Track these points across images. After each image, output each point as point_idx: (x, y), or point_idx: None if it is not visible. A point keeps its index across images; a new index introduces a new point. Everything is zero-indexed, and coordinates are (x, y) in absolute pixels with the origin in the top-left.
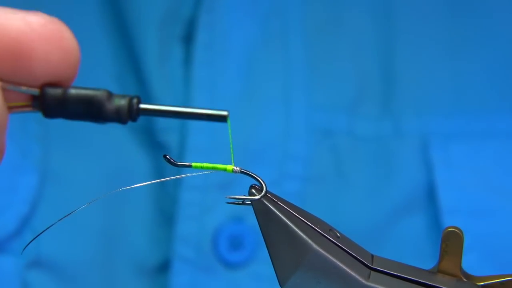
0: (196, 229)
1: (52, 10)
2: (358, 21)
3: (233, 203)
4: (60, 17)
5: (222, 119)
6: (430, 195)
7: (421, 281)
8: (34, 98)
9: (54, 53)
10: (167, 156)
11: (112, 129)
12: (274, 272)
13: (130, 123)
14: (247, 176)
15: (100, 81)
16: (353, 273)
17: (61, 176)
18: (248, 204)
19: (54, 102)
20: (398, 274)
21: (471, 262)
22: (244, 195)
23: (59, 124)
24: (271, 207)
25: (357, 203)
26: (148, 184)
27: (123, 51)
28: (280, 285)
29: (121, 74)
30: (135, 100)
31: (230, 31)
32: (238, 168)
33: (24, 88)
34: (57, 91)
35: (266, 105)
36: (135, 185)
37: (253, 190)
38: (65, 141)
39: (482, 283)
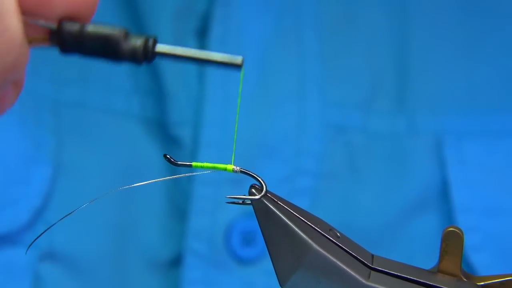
0: (208, 224)
1: None
2: (372, 17)
3: (233, 203)
4: None
5: (237, 67)
6: (444, 193)
7: (421, 281)
8: (51, 32)
9: None
10: (167, 156)
11: (125, 122)
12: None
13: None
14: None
15: (114, 75)
16: (353, 273)
17: (74, 168)
18: (248, 204)
19: (71, 37)
20: (398, 274)
21: (484, 260)
22: (244, 195)
23: (73, 116)
24: (271, 207)
25: (370, 200)
26: (154, 181)
27: None
28: (280, 285)
29: (134, 68)
30: (151, 41)
31: (244, 26)
32: (238, 167)
33: (42, 22)
34: (75, 26)
35: (280, 101)
36: (139, 184)
37: (253, 190)
38: (79, 134)
39: (482, 283)
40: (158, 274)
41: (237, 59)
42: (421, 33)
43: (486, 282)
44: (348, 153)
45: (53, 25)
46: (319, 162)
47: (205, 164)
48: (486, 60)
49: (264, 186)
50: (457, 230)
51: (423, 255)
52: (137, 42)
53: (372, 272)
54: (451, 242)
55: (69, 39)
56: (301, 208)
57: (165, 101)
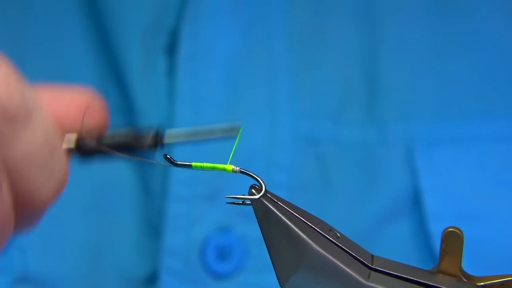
0: (183, 241)
1: (33, 18)
2: (342, 27)
3: (233, 203)
4: (40, 26)
5: (236, 131)
6: (416, 201)
7: (421, 281)
8: (71, 150)
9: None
10: (168, 156)
11: None
12: (262, 282)
13: None
14: (245, 175)
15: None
16: (353, 273)
17: None
18: (248, 204)
19: (89, 150)
20: (398, 274)
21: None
22: (244, 195)
23: None
24: (270, 207)
25: (343, 211)
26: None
27: (105, 61)
28: (280, 285)
29: (102, 84)
30: (159, 136)
31: (213, 40)
32: (237, 168)
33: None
34: (91, 142)
35: (251, 115)
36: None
37: (253, 190)
38: None
39: (482, 283)
40: None
41: (237, 125)
42: (390, 42)
43: (486, 283)
44: (320, 165)
45: (72, 145)
46: (291, 175)
47: (205, 165)
48: (454, 67)
49: (263, 186)
50: (457, 231)
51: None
52: (147, 140)
53: (372, 272)
54: (451, 242)
55: (87, 152)
56: (300, 208)
57: (134, 118)
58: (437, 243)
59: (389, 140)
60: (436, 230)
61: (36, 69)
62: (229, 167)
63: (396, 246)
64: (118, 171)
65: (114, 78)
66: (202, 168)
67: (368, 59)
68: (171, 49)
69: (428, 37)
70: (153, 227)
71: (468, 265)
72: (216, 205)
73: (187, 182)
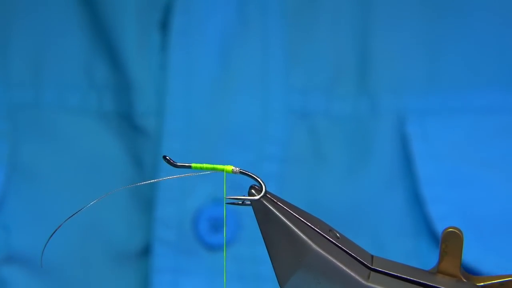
0: (176, 212)
1: None
2: (335, 3)
3: (233, 203)
4: (32, 3)
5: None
6: (408, 169)
7: (421, 281)
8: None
9: None
10: (167, 157)
11: (83, 119)
12: (255, 253)
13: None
14: (245, 176)
15: (67, 73)
16: (353, 274)
17: (31, 170)
18: (248, 204)
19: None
20: (398, 275)
21: None
22: (244, 196)
23: (28, 118)
24: (270, 207)
25: (336, 182)
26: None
27: (99, 37)
28: (280, 286)
29: (96, 59)
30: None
31: (206, 15)
32: (237, 168)
33: None
34: None
35: (244, 88)
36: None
37: (252, 191)
38: (34, 135)
39: (481, 284)
40: (126, 266)
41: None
42: (382, 17)
43: (485, 283)
44: (312, 138)
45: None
46: (284, 148)
47: (204, 165)
48: (446, 41)
49: (263, 187)
50: (456, 231)
51: (391, 232)
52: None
53: (372, 272)
54: (451, 242)
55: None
56: (300, 209)
57: (128, 93)
58: (431, 209)
59: (380, 112)
60: (429, 195)
61: (26, 44)
62: (229, 167)
63: (390, 215)
64: (107, 144)
65: (108, 54)
66: (201, 168)
67: (360, 33)
68: (165, 24)
69: (419, 11)
70: (144, 200)
71: (461, 228)
72: (208, 177)
73: (179, 154)
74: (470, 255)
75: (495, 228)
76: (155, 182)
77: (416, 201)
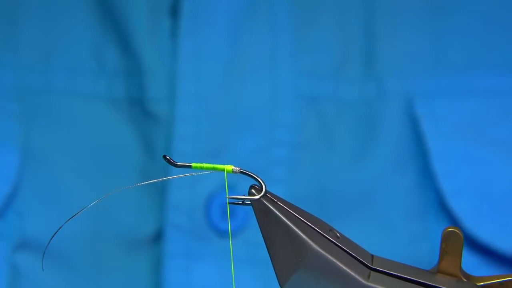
0: (188, 197)
1: None
2: None
3: (234, 203)
4: None
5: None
6: (418, 148)
7: (421, 281)
8: None
9: None
10: (167, 157)
11: (93, 104)
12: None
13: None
14: (246, 176)
15: (78, 58)
16: (353, 273)
17: (43, 154)
18: (248, 204)
19: None
20: (398, 274)
21: (463, 206)
22: (244, 195)
23: (39, 102)
24: (270, 207)
25: (346, 166)
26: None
27: (110, 22)
28: (280, 285)
29: (107, 45)
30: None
31: (215, 1)
32: (237, 168)
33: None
34: None
35: (253, 73)
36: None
37: (252, 190)
38: (46, 119)
39: (482, 283)
40: (138, 252)
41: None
42: (388, 1)
43: (485, 282)
44: (321, 122)
45: None
46: (293, 133)
47: (204, 165)
48: (451, 22)
49: (263, 187)
50: (456, 231)
51: (402, 213)
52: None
53: (372, 272)
54: (451, 242)
55: None
56: (300, 209)
57: (139, 78)
58: (444, 184)
59: (388, 94)
60: (441, 171)
61: (37, 28)
62: (229, 167)
63: (401, 195)
64: (118, 130)
65: (118, 39)
66: (202, 168)
67: (366, 18)
68: (175, 10)
69: None
70: (155, 186)
71: (472, 205)
72: (220, 162)
73: (190, 139)
74: (484, 231)
75: (506, 204)
76: (166, 167)
77: (427, 179)
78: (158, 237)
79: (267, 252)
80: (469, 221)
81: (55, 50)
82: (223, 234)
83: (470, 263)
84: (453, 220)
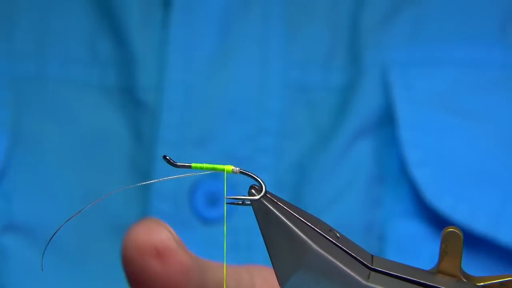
0: (172, 185)
1: None
2: None
3: (233, 203)
4: None
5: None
6: (389, 114)
7: (421, 281)
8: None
9: None
10: (167, 157)
11: (85, 92)
12: (248, 224)
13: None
14: (246, 176)
15: (71, 47)
16: (353, 274)
17: (34, 140)
18: (248, 204)
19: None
20: (398, 275)
21: (425, 176)
22: (244, 195)
23: (31, 90)
24: (270, 207)
25: (333, 156)
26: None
27: (102, 13)
28: (280, 286)
29: (99, 35)
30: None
31: None
32: (237, 168)
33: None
34: None
35: (242, 63)
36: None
37: (252, 191)
38: (37, 107)
39: (482, 284)
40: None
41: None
42: None
43: (486, 283)
44: (309, 111)
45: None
46: (282, 121)
47: (204, 165)
48: None
49: (263, 187)
50: (456, 231)
51: (364, 178)
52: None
53: (372, 272)
54: (451, 242)
55: None
56: (300, 209)
57: (130, 68)
58: (408, 152)
59: (364, 66)
60: (407, 139)
61: (31, 16)
62: (229, 167)
63: (369, 159)
64: (108, 118)
65: (111, 29)
66: (201, 168)
67: (355, 6)
68: (168, 1)
69: None
70: (142, 173)
71: (435, 174)
72: (205, 150)
73: (177, 127)
74: (443, 201)
75: (469, 177)
76: (152, 155)
77: (395, 142)
78: None
79: (267, 252)
80: (429, 191)
81: (49, 39)
82: (207, 221)
83: (427, 234)
84: (413, 189)
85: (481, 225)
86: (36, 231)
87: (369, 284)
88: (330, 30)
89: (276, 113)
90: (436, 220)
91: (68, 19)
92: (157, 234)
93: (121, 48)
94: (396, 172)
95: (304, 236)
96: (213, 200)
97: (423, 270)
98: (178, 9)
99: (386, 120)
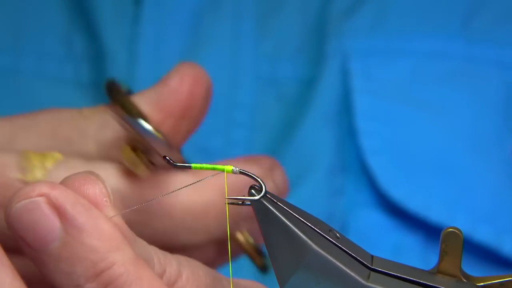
0: None
1: None
2: None
3: (233, 203)
4: None
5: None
6: (346, 102)
7: (421, 281)
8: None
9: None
10: (167, 157)
11: (60, 87)
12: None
13: None
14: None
15: (46, 42)
16: (353, 274)
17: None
18: (248, 204)
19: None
20: (398, 275)
21: (380, 165)
22: (244, 196)
23: (6, 83)
24: (270, 207)
25: (304, 147)
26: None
27: (75, 9)
28: (280, 286)
29: (72, 31)
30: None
31: None
32: (237, 168)
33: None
34: None
35: (213, 56)
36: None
37: (252, 191)
38: (13, 100)
39: (481, 284)
40: None
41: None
42: None
43: (485, 283)
44: (279, 104)
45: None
46: (252, 114)
47: (204, 165)
48: None
49: (263, 187)
50: (456, 231)
51: (325, 168)
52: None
53: (372, 272)
54: (451, 242)
55: None
56: (300, 209)
57: (103, 63)
58: (363, 142)
59: (327, 55)
60: (363, 129)
61: (7, 11)
62: (229, 167)
63: (329, 149)
64: None
65: (85, 25)
66: (202, 168)
67: (324, 2)
68: None
69: None
70: None
71: (391, 163)
72: (191, 148)
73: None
74: (398, 190)
75: (424, 167)
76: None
77: (352, 132)
78: None
79: (267, 252)
80: (384, 180)
81: (25, 34)
82: None
83: (388, 223)
84: (370, 178)
85: (436, 214)
86: None
87: (369, 284)
88: (299, 24)
89: (247, 106)
90: (394, 210)
91: (43, 14)
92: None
93: (94, 43)
94: (356, 162)
95: (304, 236)
96: None
97: (423, 270)
98: (149, 5)
99: (346, 109)
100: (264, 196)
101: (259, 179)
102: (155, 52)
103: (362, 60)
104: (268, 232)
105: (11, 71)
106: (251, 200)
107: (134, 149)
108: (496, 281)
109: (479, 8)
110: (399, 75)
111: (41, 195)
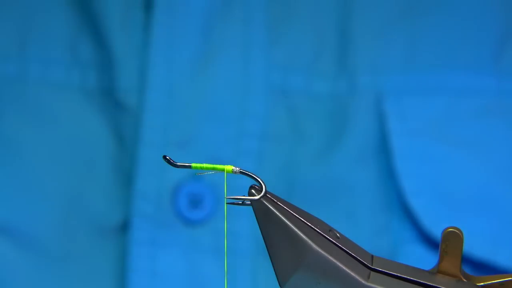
0: (155, 186)
1: None
2: None
3: (233, 203)
4: None
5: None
6: (383, 145)
7: (421, 281)
8: None
9: None
10: (167, 157)
11: (66, 94)
12: (232, 228)
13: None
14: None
15: (52, 49)
16: (353, 274)
17: (15, 142)
18: (248, 204)
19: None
20: (398, 275)
21: (422, 204)
22: (244, 196)
23: (12, 91)
24: (270, 207)
25: (313, 159)
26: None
27: (83, 15)
28: (280, 286)
29: (80, 37)
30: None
31: None
32: (237, 168)
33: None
34: None
35: (225, 65)
36: None
37: (252, 191)
38: (20, 108)
39: (482, 284)
40: (106, 240)
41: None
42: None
43: (486, 283)
44: (291, 116)
45: None
46: (263, 125)
47: (204, 165)
48: (424, 22)
49: (263, 187)
50: (456, 231)
51: (366, 207)
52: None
53: (372, 272)
54: (451, 242)
55: None
56: (300, 209)
57: (111, 70)
58: (404, 183)
59: (358, 90)
60: (403, 170)
61: (12, 18)
62: (229, 167)
63: (367, 188)
64: (89, 120)
65: (92, 31)
66: (202, 168)
67: (341, 13)
68: (149, 3)
69: None
70: (125, 174)
71: (431, 204)
72: (187, 152)
73: (159, 129)
74: (441, 229)
75: (465, 204)
76: (135, 156)
77: (390, 174)
78: (126, 225)
79: (267, 252)
80: (427, 220)
81: (31, 40)
82: (189, 222)
83: (429, 259)
84: (413, 218)
85: (479, 250)
86: (17, 233)
87: (369, 284)
88: (315, 35)
89: (258, 116)
90: (436, 248)
91: (50, 21)
92: None
93: (102, 50)
94: (396, 202)
95: (304, 236)
96: (196, 201)
97: (423, 270)
98: (160, 11)
99: (382, 149)
100: (264, 196)
101: (259, 179)
102: (167, 59)
103: (397, 100)
104: (268, 232)
105: (16, 80)
106: (251, 200)
107: None
108: (496, 281)
109: (509, 41)
110: (434, 113)
111: None
